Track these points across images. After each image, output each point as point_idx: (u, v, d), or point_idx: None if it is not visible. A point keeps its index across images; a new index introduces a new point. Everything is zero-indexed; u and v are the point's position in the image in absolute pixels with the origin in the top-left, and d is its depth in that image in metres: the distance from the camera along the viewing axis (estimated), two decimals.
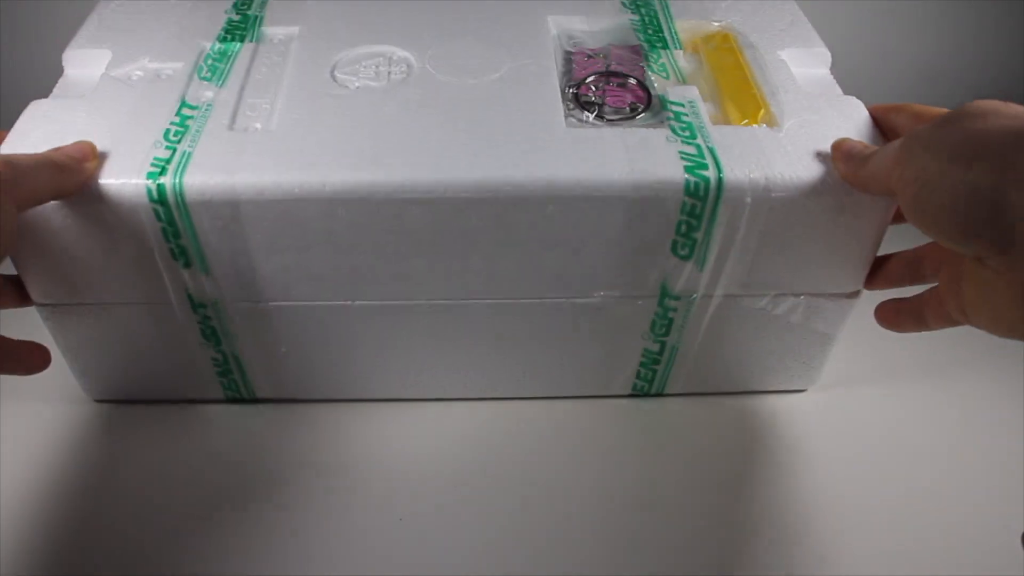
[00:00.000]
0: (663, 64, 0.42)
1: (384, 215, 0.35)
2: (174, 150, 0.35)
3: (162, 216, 0.35)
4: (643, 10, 0.46)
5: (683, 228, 0.36)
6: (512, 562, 0.38)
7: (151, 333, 0.41)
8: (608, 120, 0.38)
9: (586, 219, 0.36)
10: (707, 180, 0.35)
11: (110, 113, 0.38)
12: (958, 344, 0.51)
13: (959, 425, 0.46)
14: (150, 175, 0.34)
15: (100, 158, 0.35)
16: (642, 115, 0.39)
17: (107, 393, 0.45)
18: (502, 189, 0.35)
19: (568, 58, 0.43)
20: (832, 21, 0.86)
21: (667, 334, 0.42)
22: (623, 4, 0.47)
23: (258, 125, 0.38)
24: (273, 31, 0.44)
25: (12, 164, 0.32)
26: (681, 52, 0.43)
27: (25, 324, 0.39)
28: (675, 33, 0.44)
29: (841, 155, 0.35)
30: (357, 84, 0.40)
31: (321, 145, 0.36)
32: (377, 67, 0.41)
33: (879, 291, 0.40)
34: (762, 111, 0.39)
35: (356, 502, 0.41)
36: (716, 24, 0.45)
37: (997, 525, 0.39)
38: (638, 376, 0.45)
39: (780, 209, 0.36)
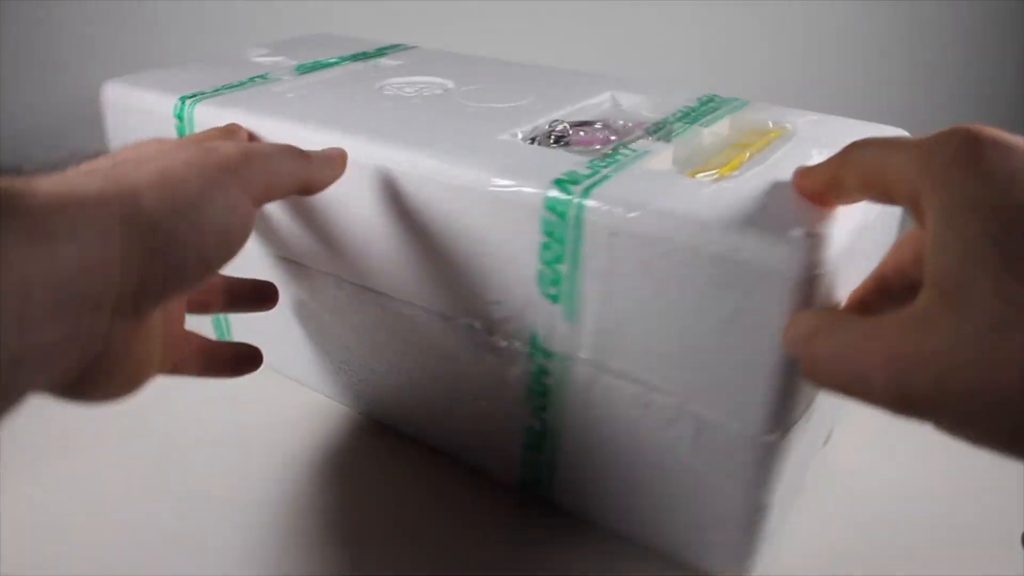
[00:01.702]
0: (670, 131, 0.38)
1: None
2: (206, 93, 0.43)
3: (177, 132, 0.42)
4: (708, 104, 0.42)
5: (547, 255, 0.32)
6: None
7: None
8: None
9: (454, 213, 0.33)
10: (570, 193, 0.30)
11: (195, 75, 0.46)
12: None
13: None
14: (181, 98, 0.42)
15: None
16: (595, 150, 0.35)
17: None
18: (393, 162, 0.35)
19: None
20: (831, 22, 0.87)
21: (545, 409, 0.35)
22: (698, 98, 0.43)
23: (290, 95, 0.44)
24: (387, 62, 0.51)
25: (247, 152, 0.27)
26: (704, 129, 0.38)
27: None
28: (716, 120, 0.39)
29: (798, 173, 0.30)
30: (391, 94, 0.44)
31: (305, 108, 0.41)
32: (420, 89, 0.45)
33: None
34: (731, 164, 0.33)
35: None
36: (772, 124, 0.39)
37: None
38: (524, 460, 0.37)
39: (648, 253, 0.29)
